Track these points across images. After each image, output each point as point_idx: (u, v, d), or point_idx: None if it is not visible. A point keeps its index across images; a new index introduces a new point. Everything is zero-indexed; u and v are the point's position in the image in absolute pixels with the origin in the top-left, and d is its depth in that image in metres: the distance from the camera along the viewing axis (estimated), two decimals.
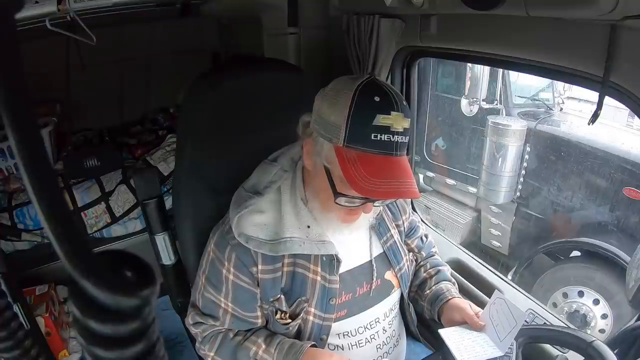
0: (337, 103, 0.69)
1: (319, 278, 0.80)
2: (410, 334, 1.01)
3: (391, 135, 0.67)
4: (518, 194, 2.64)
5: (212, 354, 0.84)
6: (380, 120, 0.66)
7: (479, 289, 1.15)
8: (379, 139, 0.66)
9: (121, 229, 1.91)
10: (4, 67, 0.22)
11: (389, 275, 0.88)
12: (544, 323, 1.02)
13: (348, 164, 0.68)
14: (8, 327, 0.27)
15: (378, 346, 0.87)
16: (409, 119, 0.69)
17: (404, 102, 0.69)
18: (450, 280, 0.97)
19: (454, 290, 0.93)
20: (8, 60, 0.22)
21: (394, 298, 0.90)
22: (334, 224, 0.78)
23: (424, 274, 0.98)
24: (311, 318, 0.81)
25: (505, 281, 1.17)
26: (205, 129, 0.95)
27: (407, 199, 0.98)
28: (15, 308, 1.26)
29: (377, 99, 0.67)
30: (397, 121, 0.67)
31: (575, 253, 2.32)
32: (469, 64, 2.69)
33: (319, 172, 0.74)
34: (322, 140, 0.71)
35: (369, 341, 0.86)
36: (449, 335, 0.81)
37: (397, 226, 0.93)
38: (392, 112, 0.66)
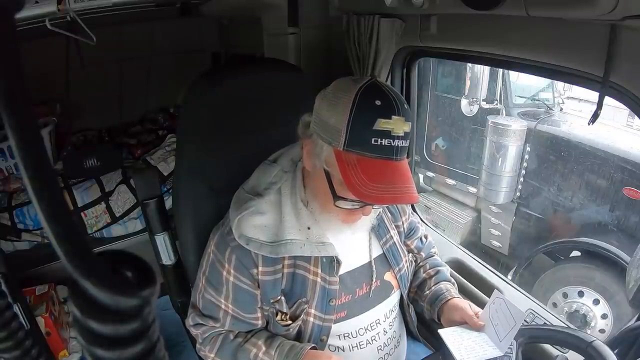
0: (337, 105, 0.68)
1: (319, 279, 0.79)
2: (410, 334, 1.01)
3: (392, 140, 0.66)
4: (518, 194, 2.64)
5: (212, 355, 0.84)
6: (381, 124, 0.65)
7: (478, 289, 1.15)
8: (379, 143, 0.66)
9: (121, 229, 1.91)
10: (4, 67, 0.22)
11: (388, 276, 0.88)
12: (544, 323, 1.02)
13: (348, 169, 0.67)
14: (8, 327, 0.27)
15: (379, 348, 0.87)
16: (410, 123, 0.69)
17: (405, 105, 0.68)
18: (449, 281, 0.96)
19: (454, 290, 0.93)
20: (8, 60, 0.22)
21: (393, 299, 0.90)
22: (334, 224, 0.78)
23: (424, 275, 0.98)
24: (311, 319, 0.80)
25: (505, 281, 1.17)
26: (205, 129, 0.95)
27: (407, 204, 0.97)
28: (15, 308, 1.26)
29: (378, 102, 0.66)
30: (398, 125, 0.66)
31: (575, 253, 2.32)
32: (469, 64, 2.69)
33: (318, 174, 0.74)
34: (322, 142, 0.70)
35: (370, 343, 0.86)
36: (449, 335, 0.81)
37: (397, 227, 0.93)
38: (393, 117, 0.66)
